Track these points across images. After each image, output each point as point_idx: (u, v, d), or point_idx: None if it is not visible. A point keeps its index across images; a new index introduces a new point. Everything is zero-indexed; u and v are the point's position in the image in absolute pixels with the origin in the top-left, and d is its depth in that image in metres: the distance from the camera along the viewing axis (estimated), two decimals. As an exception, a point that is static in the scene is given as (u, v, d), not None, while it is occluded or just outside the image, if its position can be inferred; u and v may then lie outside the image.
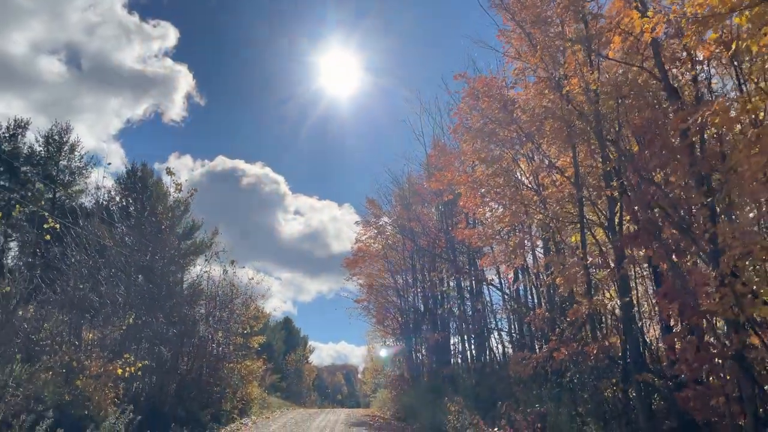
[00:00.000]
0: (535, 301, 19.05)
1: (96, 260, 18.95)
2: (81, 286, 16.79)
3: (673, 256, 8.00)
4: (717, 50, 7.76)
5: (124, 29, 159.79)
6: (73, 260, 18.15)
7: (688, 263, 8.05)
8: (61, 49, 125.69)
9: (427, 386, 27.35)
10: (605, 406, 12.07)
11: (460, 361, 28.29)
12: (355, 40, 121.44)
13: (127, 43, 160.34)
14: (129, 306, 18.84)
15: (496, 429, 14.52)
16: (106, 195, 39.65)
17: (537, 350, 16.42)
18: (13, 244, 37.41)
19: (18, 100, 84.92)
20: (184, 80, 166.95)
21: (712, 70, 9.66)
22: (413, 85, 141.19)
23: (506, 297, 21.47)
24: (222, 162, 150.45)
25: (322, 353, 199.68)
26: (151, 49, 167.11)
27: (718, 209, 7.58)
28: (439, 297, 30.27)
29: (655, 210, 8.09)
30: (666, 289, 7.69)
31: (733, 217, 7.84)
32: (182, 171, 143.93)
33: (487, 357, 24.50)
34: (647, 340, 12.91)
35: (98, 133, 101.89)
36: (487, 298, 24.72)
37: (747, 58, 7.68)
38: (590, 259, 12.93)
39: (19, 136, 37.21)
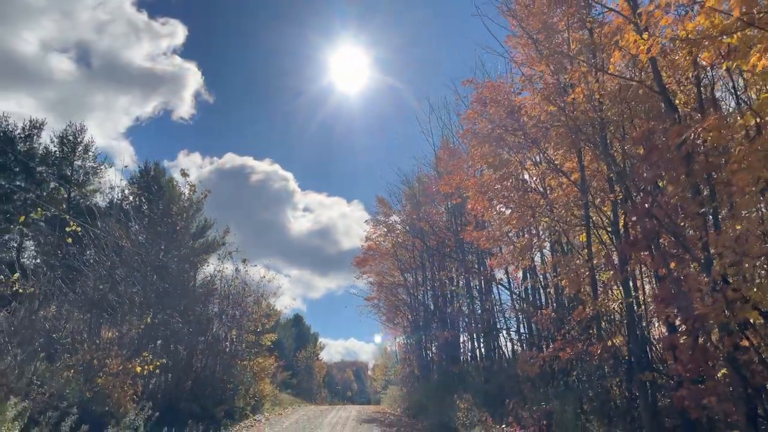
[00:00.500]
0: (543, 300, 19.27)
1: (114, 260, 19.38)
2: (101, 287, 17.22)
3: (671, 263, 8.34)
4: (717, 60, 8.05)
5: (133, 27, 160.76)
6: (91, 260, 18.61)
7: (684, 269, 8.38)
8: (71, 47, 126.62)
9: (437, 383, 27.66)
10: (610, 404, 12.35)
11: (469, 358, 28.57)
12: (365, 37, 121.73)
13: (136, 41, 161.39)
14: (146, 305, 19.27)
15: (503, 426, 14.78)
16: (119, 194, 40.32)
17: (544, 349, 16.69)
18: (28, 243, 38.03)
19: (28, 98, 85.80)
20: (193, 78, 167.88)
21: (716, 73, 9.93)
22: (422, 82, 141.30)
23: (514, 296, 21.72)
24: (231, 159, 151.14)
25: (332, 350, 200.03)
26: (159, 47, 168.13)
27: (711, 219, 7.94)
28: (449, 296, 30.45)
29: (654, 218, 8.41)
30: (663, 293, 8.03)
31: (725, 227, 8.15)
32: (191, 169, 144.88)
33: (496, 355, 24.59)
34: (653, 339, 13.16)
35: (108, 131, 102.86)
36: (496, 297, 24.89)
37: (744, 70, 7.96)
38: (595, 260, 13.23)
39: (35, 137, 37.77)
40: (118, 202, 38.16)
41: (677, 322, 9.95)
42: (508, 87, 14.67)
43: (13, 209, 36.18)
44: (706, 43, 6.03)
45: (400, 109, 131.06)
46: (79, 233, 16.13)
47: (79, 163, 38.67)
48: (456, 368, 26.13)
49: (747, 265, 6.44)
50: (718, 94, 10.44)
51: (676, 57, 8.46)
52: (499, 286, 23.34)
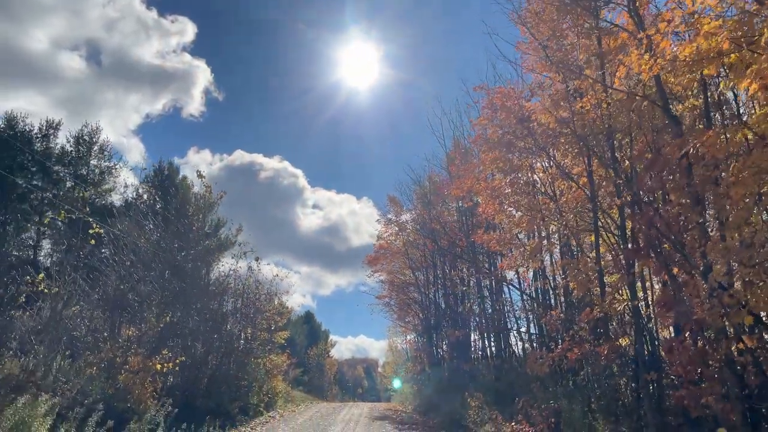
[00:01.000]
0: (552, 301, 19.52)
1: (132, 260, 19.82)
2: (122, 287, 17.67)
3: (673, 269, 8.69)
4: (721, 74, 8.34)
5: (142, 25, 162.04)
6: (111, 261, 19.06)
7: (684, 275, 8.70)
8: (81, 45, 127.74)
9: (448, 381, 27.91)
10: (617, 403, 12.63)
11: (480, 357, 28.75)
12: (376, 32, 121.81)
13: (146, 38, 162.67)
14: (164, 304, 19.70)
15: (513, 423, 15.09)
16: (133, 193, 40.88)
17: (553, 349, 16.97)
18: (44, 242, 38.68)
19: (39, 96, 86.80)
20: (203, 75, 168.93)
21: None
22: (434, 77, 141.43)
23: (525, 297, 21.96)
24: (240, 156, 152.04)
25: (342, 347, 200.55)
26: (169, 44, 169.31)
27: (712, 226, 8.28)
28: (460, 295, 30.68)
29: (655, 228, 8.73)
30: (664, 298, 8.38)
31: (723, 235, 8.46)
32: (201, 166, 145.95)
33: (507, 354, 24.78)
34: (661, 339, 13.41)
35: (118, 129, 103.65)
36: (507, 297, 24.95)
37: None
38: (603, 261, 13.53)
39: (51, 137, 38.37)
40: (132, 200, 38.84)
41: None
42: (518, 93, 14.90)
43: (30, 208, 36.83)
44: (705, 62, 6.34)
45: (411, 105, 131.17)
46: (101, 235, 16.56)
47: (94, 162, 39.24)
48: (467, 366, 26.34)
49: (740, 273, 6.79)
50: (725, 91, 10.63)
51: (679, 74, 8.76)
52: (510, 286, 23.56)
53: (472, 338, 29.96)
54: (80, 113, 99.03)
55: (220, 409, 20.11)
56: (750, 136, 7.06)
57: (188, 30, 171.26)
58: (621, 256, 12.19)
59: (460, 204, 27.08)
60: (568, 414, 13.15)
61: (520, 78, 18.09)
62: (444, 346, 34.39)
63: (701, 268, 7.84)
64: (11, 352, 13.41)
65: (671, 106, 10.46)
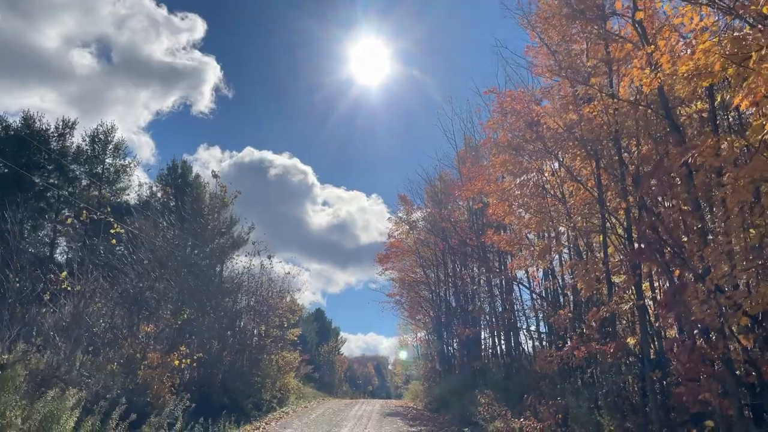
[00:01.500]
0: (561, 300, 19.74)
1: (150, 258, 20.25)
2: (140, 285, 18.09)
3: (674, 271, 9.01)
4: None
5: (152, 22, 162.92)
6: (128, 259, 19.49)
7: (685, 278, 9.02)
8: (92, 42, 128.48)
9: (459, 379, 28.17)
10: (623, 400, 12.93)
11: (490, 355, 28.96)
12: (387, 28, 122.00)
13: (156, 35, 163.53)
14: (181, 302, 20.12)
15: (522, 419, 15.38)
16: (147, 191, 41.42)
17: (562, 348, 17.21)
18: (60, 239, 39.22)
19: (51, 93, 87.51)
20: (212, 72, 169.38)
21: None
22: (445, 73, 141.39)
23: (534, 296, 22.20)
24: (250, 153, 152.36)
25: (352, 344, 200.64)
26: (179, 41, 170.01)
27: (712, 234, 8.60)
28: (470, 293, 30.94)
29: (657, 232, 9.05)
30: (665, 299, 8.71)
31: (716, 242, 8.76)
32: (211, 162, 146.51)
33: (517, 352, 25.02)
34: (668, 338, 13.65)
35: (128, 126, 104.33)
36: (517, 296, 25.17)
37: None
38: (611, 262, 13.80)
39: (67, 135, 38.89)
40: (147, 198, 39.37)
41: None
42: (528, 96, 15.14)
43: (47, 206, 37.39)
44: (703, 76, 6.65)
45: (422, 101, 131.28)
46: (122, 233, 17.00)
47: (109, 160, 39.75)
48: (477, 364, 26.60)
49: (736, 275, 7.12)
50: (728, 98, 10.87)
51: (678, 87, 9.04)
52: (520, 285, 23.78)
53: (482, 336, 30.20)
54: (91, 110, 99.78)
55: (234, 405, 20.49)
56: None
57: (198, 27, 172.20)
58: (627, 258, 12.46)
59: (471, 204, 27.30)
60: (575, 410, 13.44)
61: (530, 78, 18.38)
62: (455, 344, 34.63)
63: (700, 271, 8.17)
64: (35, 348, 13.83)
65: (678, 110, 10.77)
